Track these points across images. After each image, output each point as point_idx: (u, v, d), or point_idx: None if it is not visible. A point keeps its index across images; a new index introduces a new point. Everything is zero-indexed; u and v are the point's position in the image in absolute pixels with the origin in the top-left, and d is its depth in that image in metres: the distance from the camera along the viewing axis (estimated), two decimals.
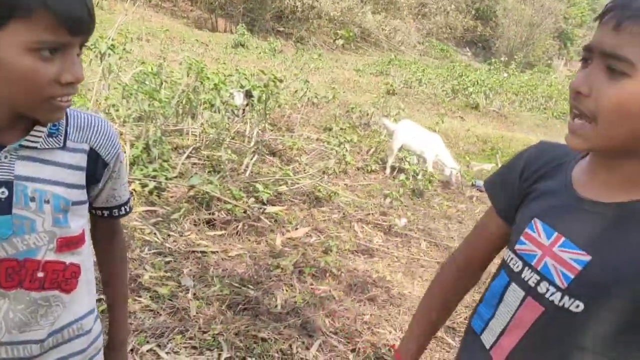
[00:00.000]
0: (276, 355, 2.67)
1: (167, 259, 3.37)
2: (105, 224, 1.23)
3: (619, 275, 0.90)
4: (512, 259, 1.07)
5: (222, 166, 4.75)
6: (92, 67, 4.92)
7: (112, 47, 4.50)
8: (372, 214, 4.84)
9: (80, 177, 1.06)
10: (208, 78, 5.16)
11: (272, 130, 6.31)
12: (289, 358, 2.66)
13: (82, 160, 1.06)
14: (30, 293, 1.02)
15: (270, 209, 4.30)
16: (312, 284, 3.44)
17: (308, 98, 7.34)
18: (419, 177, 5.70)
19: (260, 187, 4.20)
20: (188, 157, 4.90)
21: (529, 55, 34.98)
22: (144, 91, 4.68)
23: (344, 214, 4.67)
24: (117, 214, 1.21)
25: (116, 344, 1.31)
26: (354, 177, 5.71)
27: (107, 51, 4.60)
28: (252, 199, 4.16)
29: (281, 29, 24.29)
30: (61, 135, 1.03)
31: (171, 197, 4.18)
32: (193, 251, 3.56)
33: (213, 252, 3.59)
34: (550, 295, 0.98)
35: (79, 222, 1.09)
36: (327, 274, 3.58)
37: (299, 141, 5.34)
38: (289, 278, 3.45)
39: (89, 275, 1.15)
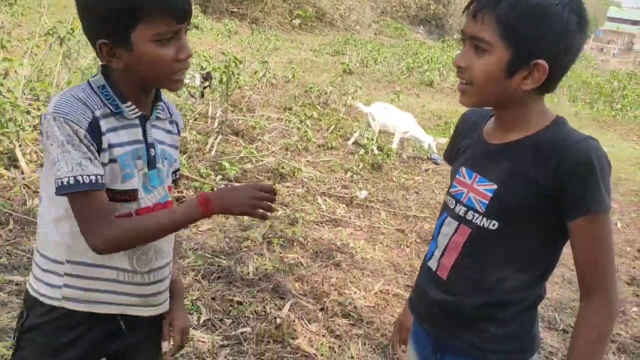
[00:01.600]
0: (251, 316, 2.88)
1: None
2: None
3: (513, 193, 1.24)
4: (448, 199, 1.39)
5: (187, 146, 4.89)
6: (52, 51, 4.94)
7: (71, 32, 4.54)
8: (334, 187, 5.08)
9: (177, 140, 1.43)
10: None
11: (233, 111, 6.44)
12: (263, 318, 2.88)
13: (176, 128, 1.42)
14: None
15: (236, 185, 4.48)
16: (280, 253, 3.66)
17: (267, 79, 7.47)
18: (376, 152, 5.95)
19: (227, 164, 4.36)
20: None
21: None
22: None
23: (307, 188, 4.88)
24: (175, 177, 1.50)
25: (180, 292, 1.52)
26: (316, 153, 5.92)
27: (66, 36, 4.64)
28: (220, 177, 4.33)
29: (235, 9, 24.07)
30: (166, 110, 1.38)
31: None
32: None
33: (184, 228, 3.76)
34: (475, 220, 1.29)
35: (170, 176, 1.42)
36: (295, 244, 3.80)
37: (261, 121, 5.50)
38: (259, 248, 3.66)
39: None
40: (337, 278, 3.44)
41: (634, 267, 4.49)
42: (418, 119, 8.62)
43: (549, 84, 1.22)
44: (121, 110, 1.23)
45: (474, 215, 1.30)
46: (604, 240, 1.20)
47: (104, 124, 1.19)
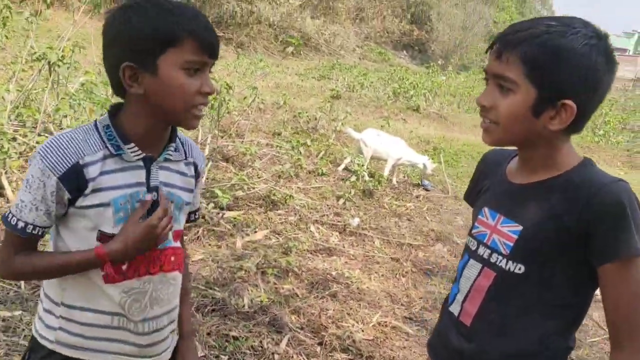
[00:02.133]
0: (248, 352, 2.79)
1: None
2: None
3: (541, 236, 1.20)
4: (470, 241, 1.35)
5: None
6: (41, 77, 4.85)
7: (61, 59, 4.47)
8: (327, 215, 5.02)
9: (191, 183, 1.37)
10: None
11: (222, 137, 6.38)
12: (261, 354, 2.79)
13: (192, 170, 1.37)
14: (167, 274, 1.30)
15: (228, 213, 4.40)
16: (275, 284, 3.58)
17: (256, 104, 7.43)
18: (367, 178, 5.92)
19: (219, 192, 4.29)
20: None
21: (463, 57, 36.23)
22: (96, 101, 4.67)
23: (299, 216, 4.82)
24: (193, 218, 1.47)
25: (189, 334, 1.50)
26: (306, 180, 5.86)
27: (56, 62, 4.56)
28: (212, 205, 4.25)
29: (221, 34, 24.17)
30: (181, 151, 1.34)
31: None
32: None
33: None
34: (499, 262, 1.25)
35: (184, 220, 1.37)
36: (289, 274, 3.73)
37: (251, 147, 5.44)
38: (253, 279, 3.57)
39: None
40: (334, 310, 3.37)
41: None
42: (407, 145, 8.65)
43: (577, 124, 1.19)
44: (122, 152, 1.20)
45: (498, 258, 1.25)
46: (636, 286, 1.14)
47: (95, 168, 1.17)
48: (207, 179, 4.91)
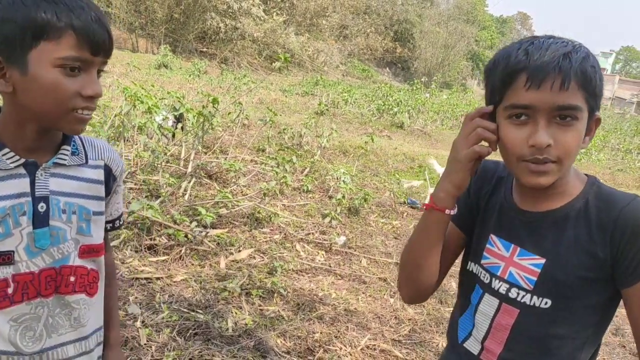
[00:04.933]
0: None
1: None
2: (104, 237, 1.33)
3: (568, 268, 1.12)
4: (480, 272, 1.24)
5: (160, 190, 4.68)
6: None
7: None
8: (312, 233, 4.92)
9: (100, 190, 1.21)
10: (142, 102, 5.08)
11: (206, 153, 6.28)
12: None
13: (100, 174, 1.21)
14: (65, 297, 1.14)
15: (212, 231, 4.28)
16: (260, 305, 3.46)
17: (240, 120, 7.36)
18: (355, 197, 5.85)
19: (202, 210, 4.17)
20: (123, 182, 4.79)
21: (446, 75, 36.63)
22: None
23: (285, 234, 4.72)
24: (117, 225, 1.34)
25: (115, 344, 1.39)
26: (292, 197, 5.77)
27: None
28: (195, 223, 4.13)
29: (205, 49, 24.14)
30: (82, 154, 1.18)
31: None
32: (137, 278, 3.49)
33: (158, 278, 3.54)
34: (522, 298, 1.16)
35: (100, 233, 1.21)
36: (275, 295, 3.61)
37: (236, 163, 5.34)
38: (237, 300, 3.46)
39: (103, 285, 1.26)
40: (321, 332, 3.26)
41: (617, 316, 4.42)
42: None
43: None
44: None
45: (518, 293, 1.17)
46: None
47: None
48: (189, 196, 4.80)
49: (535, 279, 1.15)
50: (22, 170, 1.07)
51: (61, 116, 1.03)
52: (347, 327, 3.41)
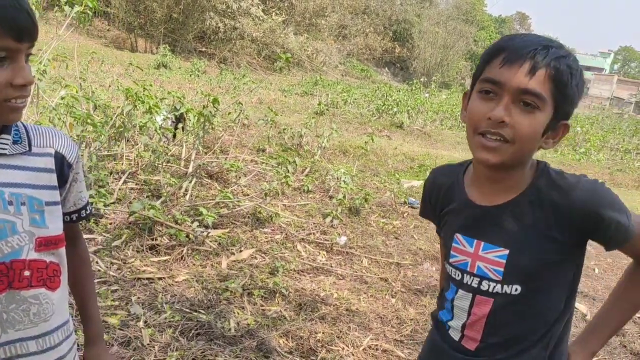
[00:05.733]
0: None
1: (113, 288, 3.29)
2: (71, 228, 1.29)
3: (531, 255, 1.20)
4: (451, 270, 1.33)
5: (161, 191, 4.68)
6: None
7: (43, 73, 4.34)
8: (313, 233, 4.92)
9: (50, 178, 1.15)
10: (142, 102, 5.08)
11: (206, 153, 6.28)
12: None
13: (49, 162, 1.15)
14: (20, 292, 1.10)
15: (213, 232, 4.28)
16: (262, 306, 3.47)
17: (240, 120, 7.36)
18: (356, 197, 5.85)
19: (204, 210, 4.17)
20: (125, 182, 4.80)
21: (444, 75, 36.65)
22: (77, 116, 4.55)
23: (286, 234, 4.72)
24: (84, 215, 1.30)
25: (96, 339, 1.37)
26: (292, 197, 5.77)
27: (37, 76, 4.44)
28: (196, 223, 4.13)
29: (204, 49, 24.14)
30: (25, 142, 1.12)
31: (110, 223, 4.08)
32: (139, 278, 3.49)
33: (160, 279, 3.54)
34: (493, 289, 1.24)
35: (57, 224, 1.16)
36: (276, 295, 3.62)
37: (237, 163, 5.34)
38: (239, 300, 3.46)
39: (66, 278, 1.22)
40: (323, 333, 3.26)
41: None
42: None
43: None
44: None
45: (490, 285, 1.25)
46: None
47: None
48: (190, 196, 4.80)
49: (502, 269, 1.22)
50: None
51: None
52: (349, 327, 3.41)
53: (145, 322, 3.00)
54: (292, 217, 5.17)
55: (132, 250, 3.80)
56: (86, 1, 4.21)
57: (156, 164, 5.11)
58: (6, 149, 1.08)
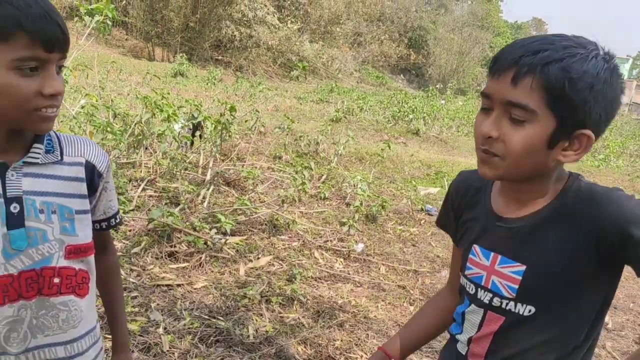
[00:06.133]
0: None
1: (133, 294, 3.32)
2: (101, 236, 1.31)
3: (550, 273, 1.10)
4: (466, 283, 1.26)
5: (179, 198, 4.72)
6: None
7: (64, 82, 4.40)
8: (330, 240, 4.92)
9: (80, 187, 1.17)
10: (161, 110, 5.14)
11: (223, 160, 6.32)
12: None
13: (80, 171, 1.18)
14: (49, 299, 1.12)
15: (231, 239, 4.30)
16: (280, 312, 3.47)
17: (256, 127, 7.40)
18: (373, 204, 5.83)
19: (222, 217, 4.20)
20: (143, 189, 4.84)
21: (460, 82, 36.50)
22: (97, 124, 4.61)
23: (303, 241, 4.72)
24: (114, 223, 1.32)
25: (123, 346, 1.39)
26: (309, 204, 5.78)
27: None
28: (214, 230, 4.15)
29: (220, 57, 24.33)
30: (57, 151, 1.15)
31: (129, 230, 4.12)
32: (158, 285, 3.51)
33: (178, 285, 3.56)
34: (505, 306, 1.16)
35: (87, 232, 1.18)
36: (294, 302, 3.62)
37: (254, 171, 5.37)
38: (258, 307, 3.46)
39: (94, 285, 1.24)
40: (341, 340, 3.26)
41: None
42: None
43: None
44: None
45: (501, 302, 1.16)
46: None
47: None
48: (208, 203, 4.83)
49: (516, 286, 1.13)
50: None
51: (24, 117, 1.02)
52: (367, 334, 3.40)
53: (165, 328, 3.01)
54: (309, 224, 5.17)
55: (151, 257, 3.83)
56: (106, 11, 4.26)
57: (174, 172, 5.15)
58: (39, 158, 1.10)
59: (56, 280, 1.12)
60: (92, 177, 1.21)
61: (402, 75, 38.95)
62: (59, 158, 1.14)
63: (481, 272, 1.20)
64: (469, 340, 1.24)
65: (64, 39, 1.03)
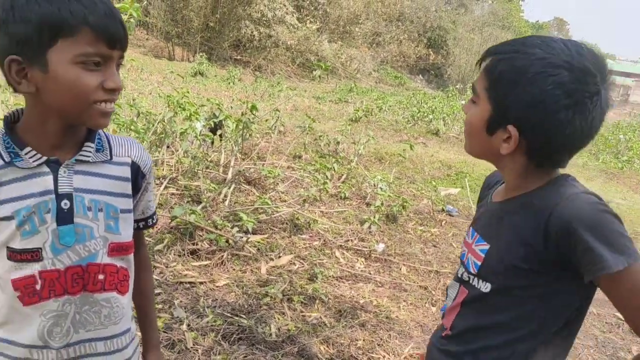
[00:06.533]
0: None
1: (156, 291, 3.34)
2: (136, 235, 1.32)
3: (504, 256, 1.17)
4: (459, 266, 1.35)
5: (201, 196, 4.74)
6: None
7: None
8: (351, 240, 4.91)
9: (126, 187, 1.20)
10: (183, 109, 5.17)
11: (244, 160, 6.33)
12: None
13: (126, 171, 1.20)
14: (93, 295, 1.14)
15: (252, 237, 4.31)
16: (302, 311, 3.47)
17: (276, 127, 7.41)
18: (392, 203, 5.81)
19: (244, 216, 4.21)
20: (166, 187, 4.87)
21: None
22: (120, 123, 4.65)
23: (324, 240, 4.72)
24: (150, 223, 1.35)
25: (155, 345, 1.42)
26: (329, 204, 5.77)
27: None
28: (236, 228, 4.16)
29: (239, 57, 24.42)
30: (107, 150, 1.18)
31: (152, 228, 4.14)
32: (181, 282, 3.53)
33: (201, 283, 3.58)
34: (471, 281, 1.24)
35: (129, 231, 1.21)
36: (316, 301, 3.61)
37: (275, 170, 5.37)
38: (280, 306, 3.47)
39: (132, 283, 1.27)
40: (363, 340, 3.25)
41: None
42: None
43: (544, 156, 1.14)
44: (20, 159, 1.07)
45: (469, 277, 1.25)
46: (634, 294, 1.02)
47: None
48: (229, 201, 4.85)
49: (480, 263, 1.22)
50: (45, 169, 1.09)
51: (84, 110, 1.05)
52: (390, 335, 3.38)
53: (189, 325, 3.03)
54: (330, 223, 5.16)
55: (174, 254, 3.85)
56: (131, 11, 4.30)
57: (196, 170, 5.18)
58: (90, 157, 1.13)
59: (100, 276, 1.15)
60: (137, 177, 1.23)
61: (420, 76, 38.75)
62: (109, 157, 1.17)
63: (465, 249, 1.30)
64: (443, 314, 1.34)
65: (125, 36, 1.06)
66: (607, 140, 14.61)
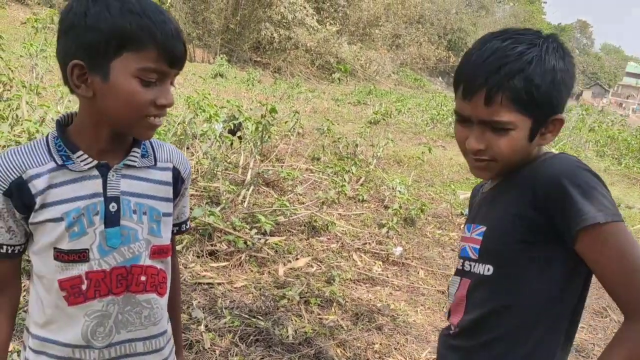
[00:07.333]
0: None
1: None
2: (170, 240, 1.34)
3: (502, 231, 1.18)
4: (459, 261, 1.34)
5: (220, 197, 4.77)
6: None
7: None
8: (369, 243, 4.91)
9: (168, 191, 1.24)
10: (203, 110, 5.21)
11: (262, 161, 6.36)
12: None
13: (169, 176, 1.24)
14: (135, 295, 1.17)
15: (270, 239, 4.33)
16: (319, 314, 3.48)
17: (295, 129, 7.43)
18: (410, 206, 5.79)
19: (262, 218, 4.23)
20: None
21: None
22: None
23: (342, 243, 4.72)
24: (184, 228, 1.37)
25: (180, 347, 1.43)
26: (347, 206, 5.77)
27: None
28: (254, 230, 4.18)
29: (259, 59, 24.53)
30: (151, 156, 1.22)
31: None
32: (199, 283, 3.56)
33: (219, 284, 3.60)
34: (472, 268, 1.24)
35: (168, 234, 1.24)
36: (333, 304, 3.62)
37: (294, 172, 5.39)
38: (297, 308, 3.48)
39: (169, 286, 1.29)
40: (380, 344, 3.24)
41: None
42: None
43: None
44: (71, 162, 1.10)
45: (470, 265, 1.25)
46: (620, 249, 1.05)
47: (41, 182, 1.08)
48: (248, 203, 4.87)
49: (478, 247, 1.22)
50: (95, 172, 1.12)
51: (135, 122, 1.09)
52: (407, 339, 3.37)
53: (206, 326, 3.05)
54: (348, 226, 5.16)
55: (193, 255, 3.88)
56: None
57: (215, 172, 5.22)
58: (136, 162, 1.17)
59: (143, 278, 1.18)
60: (177, 182, 1.27)
61: (440, 78, 38.57)
62: (153, 163, 1.21)
63: (463, 243, 1.29)
64: (449, 313, 1.32)
65: (185, 57, 1.11)
66: (630, 145, 14.38)
